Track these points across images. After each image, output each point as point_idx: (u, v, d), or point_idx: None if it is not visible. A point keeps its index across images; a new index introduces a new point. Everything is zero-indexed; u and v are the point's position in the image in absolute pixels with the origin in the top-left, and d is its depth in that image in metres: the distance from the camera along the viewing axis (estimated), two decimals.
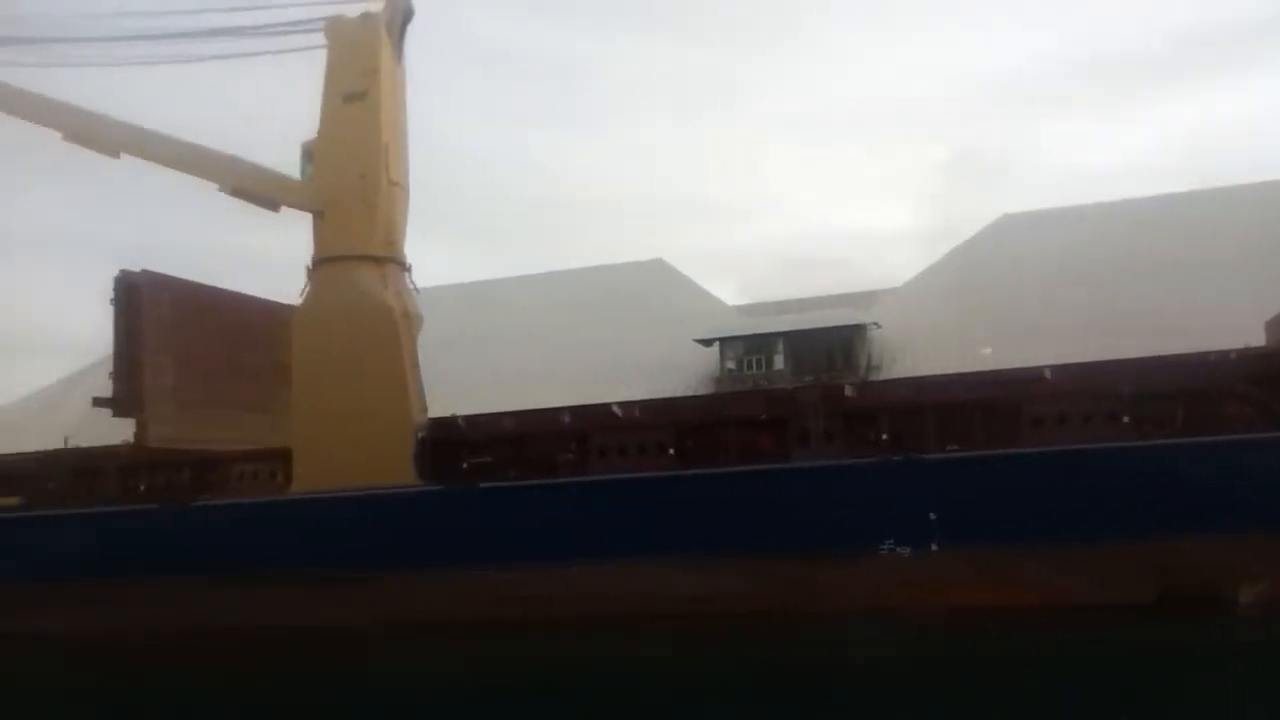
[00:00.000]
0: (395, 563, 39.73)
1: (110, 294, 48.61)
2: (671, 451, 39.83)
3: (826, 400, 39.79)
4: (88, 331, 53.07)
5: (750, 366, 55.07)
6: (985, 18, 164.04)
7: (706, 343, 55.36)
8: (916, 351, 52.36)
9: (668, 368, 55.32)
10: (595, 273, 68.36)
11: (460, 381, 53.63)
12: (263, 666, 35.23)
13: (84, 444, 51.26)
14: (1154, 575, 32.94)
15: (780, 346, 55.81)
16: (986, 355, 46.18)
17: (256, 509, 43.54)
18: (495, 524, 39.42)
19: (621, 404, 42.24)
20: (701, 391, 52.01)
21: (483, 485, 40.57)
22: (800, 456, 37.67)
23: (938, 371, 43.19)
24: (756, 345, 55.86)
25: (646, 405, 42.82)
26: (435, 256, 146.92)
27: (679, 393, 51.36)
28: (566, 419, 42.31)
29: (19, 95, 46.43)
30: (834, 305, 59.48)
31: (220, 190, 44.72)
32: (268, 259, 54.45)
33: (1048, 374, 36.74)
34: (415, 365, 43.10)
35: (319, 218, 43.98)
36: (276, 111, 46.90)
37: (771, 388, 47.99)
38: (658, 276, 66.28)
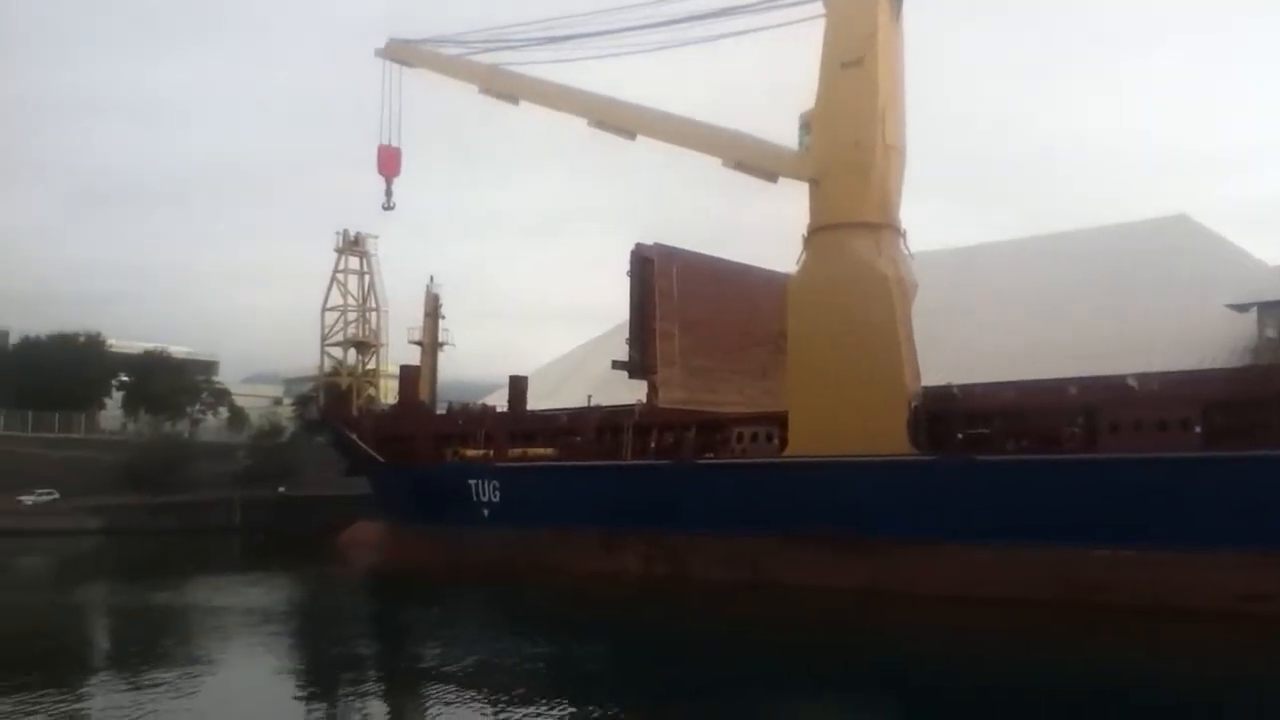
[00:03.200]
0: (885, 530, 39.60)
1: (627, 266, 53.46)
2: (1198, 430, 35.53)
3: None
4: (610, 300, 58.73)
5: None
6: None
7: (1241, 308, 48.48)
8: None
9: (1192, 337, 49.38)
10: (1107, 233, 62.65)
11: (957, 351, 51.96)
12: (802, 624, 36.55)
13: (606, 403, 56.56)
14: None
15: None
16: None
17: (754, 470, 45.47)
18: (993, 498, 37.79)
19: (1138, 376, 38.46)
20: (1233, 364, 45.73)
21: (980, 457, 38.97)
22: None
23: None
24: None
25: (1168, 378, 38.65)
26: (930, 220, 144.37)
27: (1204, 365, 45.72)
28: (1073, 391, 39.36)
29: (553, 88, 52.48)
30: None
31: (723, 165, 47.11)
32: (766, 230, 56.46)
33: None
34: (909, 333, 42.35)
35: (815, 186, 44.63)
36: (773, 87, 48.18)
37: None
38: (1181, 235, 59.28)
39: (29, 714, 19.81)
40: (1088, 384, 39.45)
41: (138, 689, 22.46)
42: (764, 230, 58.36)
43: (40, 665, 25.93)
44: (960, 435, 40.70)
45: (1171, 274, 55.64)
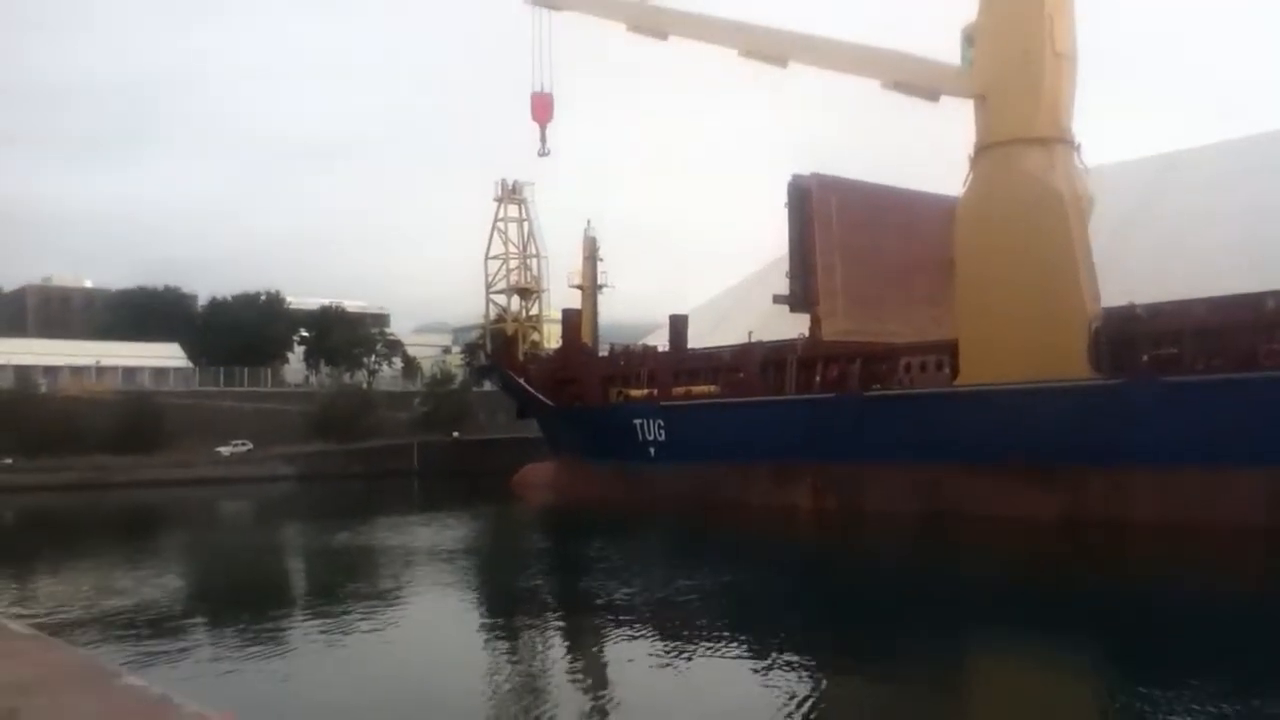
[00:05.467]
0: (1075, 459, 38.02)
1: (784, 198, 52.52)
2: None
3: None
4: (767, 235, 57.80)
5: None
6: None
7: None
8: None
9: None
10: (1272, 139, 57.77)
11: (1144, 269, 49.03)
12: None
13: (766, 338, 56.11)
14: None
15: None
16: None
17: (927, 400, 44.33)
18: (1186, 420, 35.77)
19: None
20: None
21: (1166, 379, 36.88)
22: None
23: None
24: None
25: None
26: (1117, 129, 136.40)
27: None
28: (1272, 305, 36.71)
29: (697, 20, 51.41)
30: None
31: (882, 86, 45.36)
32: (928, 153, 54.26)
33: None
34: (1087, 252, 40.26)
35: (980, 102, 42.66)
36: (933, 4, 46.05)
37: None
38: None
39: (245, 646, 21.15)
40: None
41: (339, 623, 23.71)
42: (925, 154, 56.21)
43: (254, 602, 27.68)
44: (1146, 357, 38.70)
45: None
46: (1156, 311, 39.97)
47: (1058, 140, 41.23)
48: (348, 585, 30.24)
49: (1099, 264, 40.89)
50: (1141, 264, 50.13)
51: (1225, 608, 24.15)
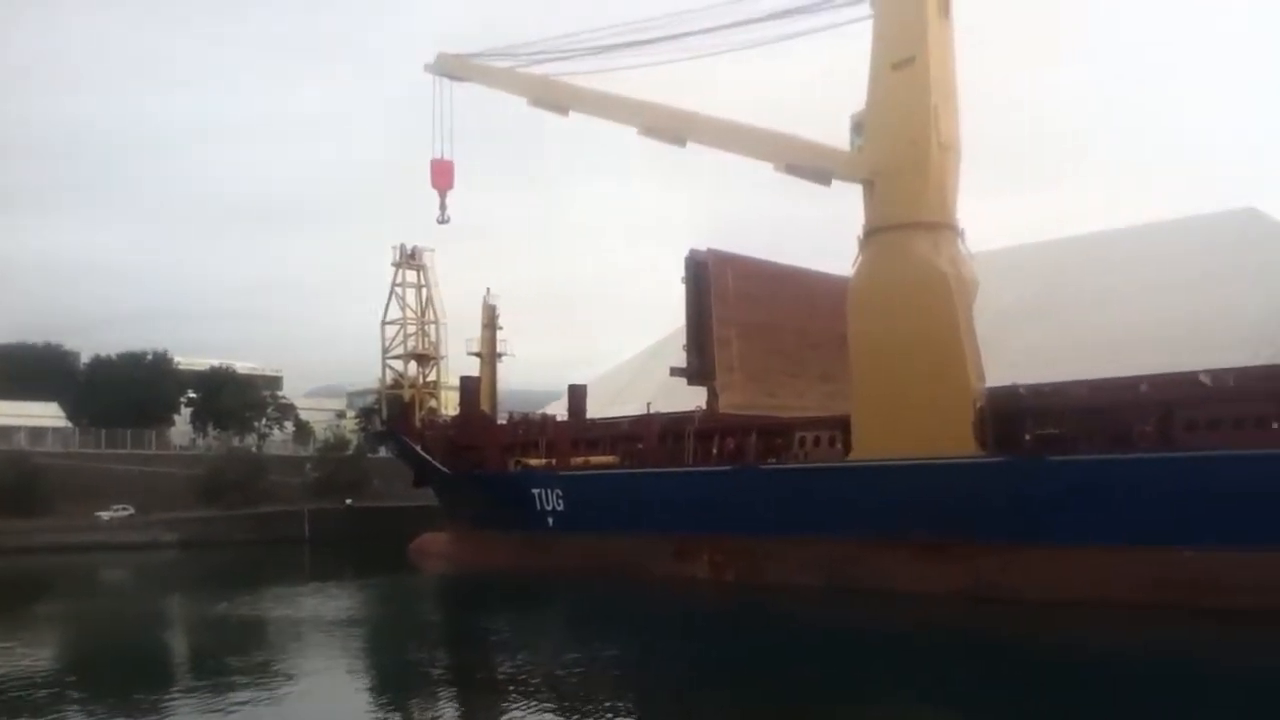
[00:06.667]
0: (963, 533, 39.03)
1: (682, 271, 53.37)
2: (1275, 426, 34.72)
3: None
4: (671, 305, 58.53)
5: None
6: None
7: None
8: None
9: (1263, 333, 48.16)
10: (1170, 227, 61.47)
11: (1023, 349, 51.19)
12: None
13: (666, 409, 56.62)
14: None
15: None
16: None
17: (822, 474, 45.16)
18: (1065, 499, 37.22)
19: (1211, 373, 37.61)
20: None
21: (1050, 458, 38.37)
22: None
23: None
24: None
25: (1244, 374, 37.67)
26: (998, 216, 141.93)
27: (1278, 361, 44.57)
28: (1146, 389, 38.62)
29: (598, 97, 52.32)
30: None
31: (775, 169, 46.72)
32: (821, 233, 56.05)
33: None
34: (972, 332, 41.83)
35: (869, 187, 44.28)
36: (823, 88, 47.93)
37: None
38: (1250, 227, 57.92)
39: None
40: (1160, 381, 38.71)
41: (219, 699, 22.95)
42: (822, 232, 58.02)
43: (126, 675, 26.62)
44: (1029, 435, 40.19)
45: (1243, 267, 54.30)
46: (1038, 391, 41.61)
47: (943, 226, 42.99)
48: (223, 659, 29.30)
49: (985, 345, 42.53)
50: (1022, 345, 52.27)
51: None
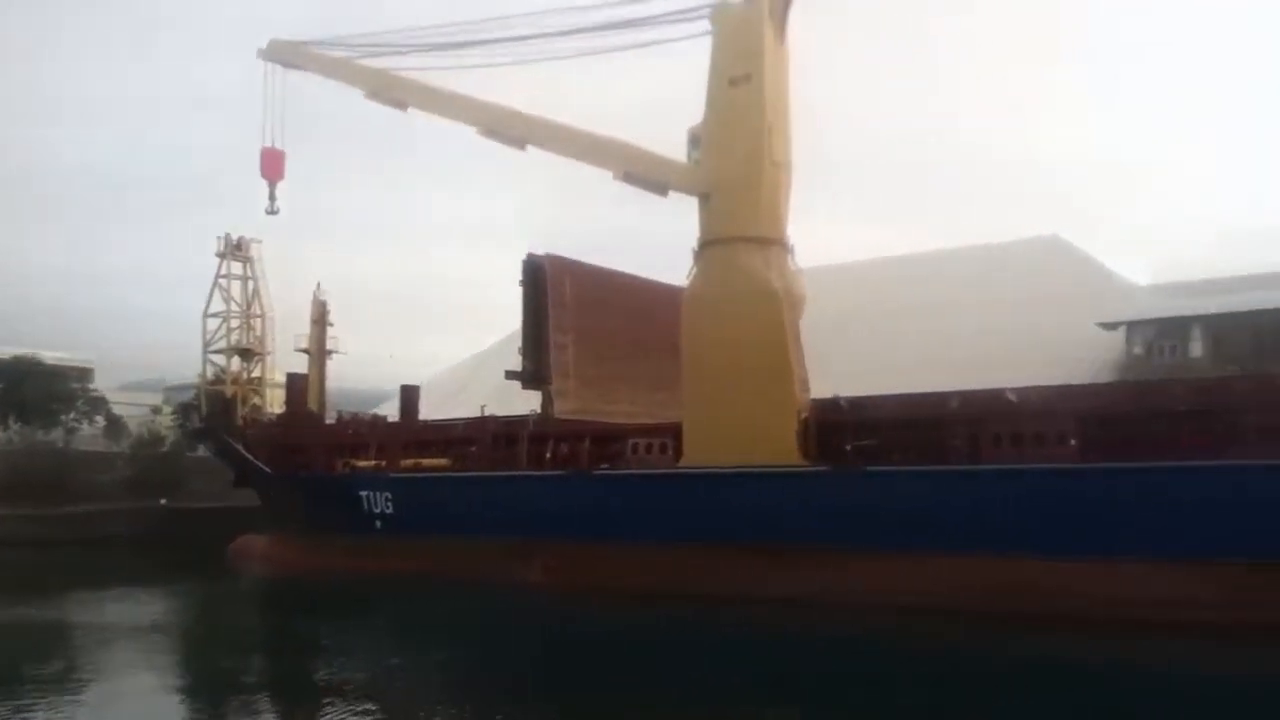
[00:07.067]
0: (788, 539, 40.22)
1: (520, 275, 53.28)
2: (1073, 442, 37.24)
3: (1263, 392, 35.64)
4: (509, 307, 58.19)
5: (1162, 353, 49.98)
6: None
7: (1110, 326, 50.90)
8: None
9: (1063, 353, 51.58)
10: (984, 251, 65.18)
11: (847, 363, 53.26)
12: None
13: (499, 413, 56.31)
14: None
15: (1197, 331, 50.26)
16: None
17: (650, 480, 45.83)
18: (882, 508, 38.95)
19: (1017, 390, 40.01)
20: (1103, 380, 47.97)
21: (869, 468, 40.06)
22: (1233, 454, 33.83)
23: None
24: (1170, 329, 50.60)
25: (1045, 391, 40.23)
26: (826, 234, 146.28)
27: (1076, 380, 47.79)
28: (955, 405, 40.76)
29: (437, 94, 51.62)
30: (1274, 285, 52.15)
31: (614, 177, 47.24)
32: (661, 242, 56.87)
33: None
34: (798, 345, 43.29)
35: (704, 201, 45.30)
36: (665, 101, 48.71)
37: (1195, 377, 43.28)
38: (1053, 254, 62.00)
39: None
40: (969, 397, 40.78)
41: (18, 711, 21.62)
42: (661, 243, 58.87)
43: None
44: (849, 447, 41.81)
45: (1045, 291, 57.95)
46: (857, 404, 43.34)
47: (774, 241, 44.36)
48: (18, 668, 27.47)
49: (812, 358, 44.01)
50: (847, 360, 54.35)
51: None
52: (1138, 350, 49.83)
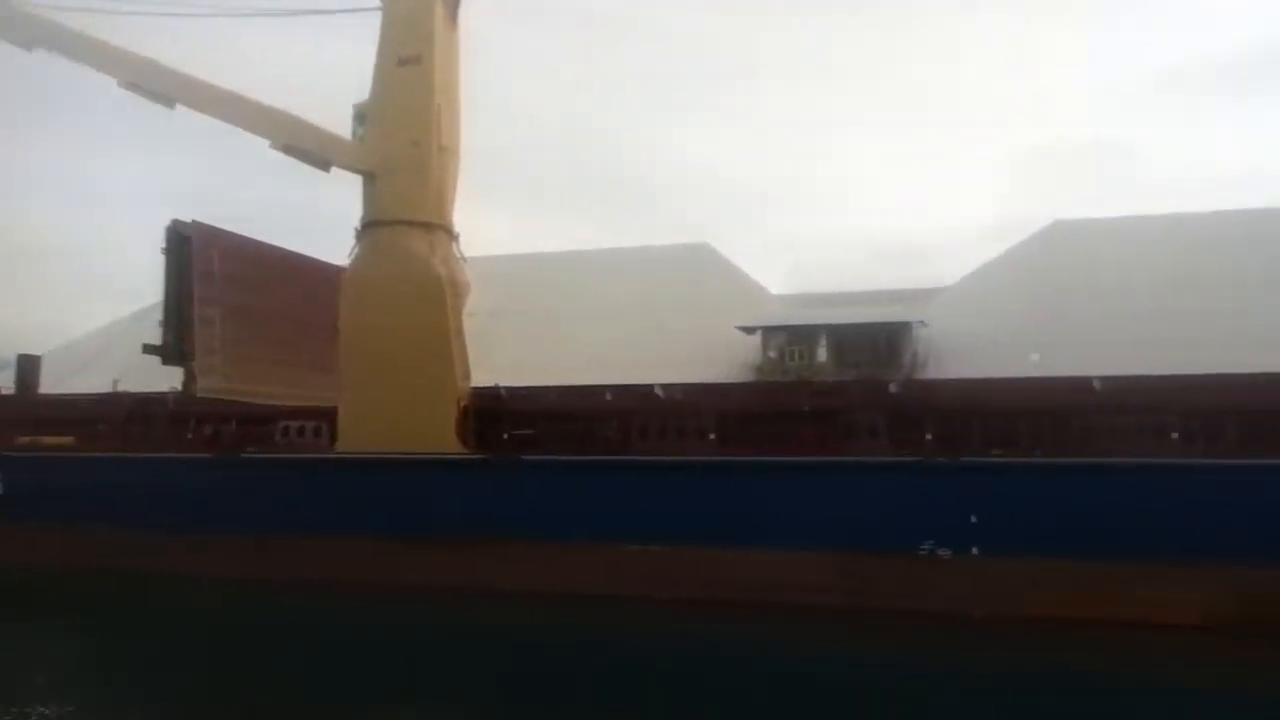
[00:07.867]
0: (425, 528, 40.28)
1: (162, 243, 49.30)
2: (712, 437, 40.08)
3: (871, 396, 40.01)
4: (145, 277, 53.52)
5: (792, 357, 54.57)
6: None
7: (749, 330, 54.99)
8: (962, 354, 51.72)
9: (709, 354, 55.10)
10: (638, 253, 68.18)
11: (507, 353, 53.85)
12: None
13: (133, 389, 52.12)
14: None
15: (823, 339, 55.40)
16: (1035, 362, 45.53)
17: (299, 465, 44.24)
18: (536, 497, 39.89)
19: (664, 386, 42.39)
20: (743, 379, 51.77)
21: (525, 457, 40.92)
22: (846, 451, 37.71)
23: (984, 375, 42.69)
24: (799, 336, 55.32)
25: (689, 389, 42.93)
26: (493, 224, 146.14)
27: (720, 379, 51.18)
28: (608, 397, 42.57)
29: (79, 39, 46.08)
30: (890, 301, 58.52)
31: (272, 147, 44.77)
32: (321, 218, 54.76)
33: (1096, 385, 36.59)
34: (460, 333, 43.50)
35: (369, 180, 44.37)
36: (331, 73, 47.17)
37: (818, 380, 47.77)
38: (701, 260, 65.91)
39: None
40: (621, 391, 42.73)
41: None
42: (319, 220, 56.75)
43: None
44: (507, 435, 42.51)
45: (693, 295, 61.58)
46: (516, 394, 44.16)
47: (439, 227, 44.28)
48: None
49: (475, 346, 44.22)
50: (511, 350, 54.98)
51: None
52: (772, 354, 54.01)
